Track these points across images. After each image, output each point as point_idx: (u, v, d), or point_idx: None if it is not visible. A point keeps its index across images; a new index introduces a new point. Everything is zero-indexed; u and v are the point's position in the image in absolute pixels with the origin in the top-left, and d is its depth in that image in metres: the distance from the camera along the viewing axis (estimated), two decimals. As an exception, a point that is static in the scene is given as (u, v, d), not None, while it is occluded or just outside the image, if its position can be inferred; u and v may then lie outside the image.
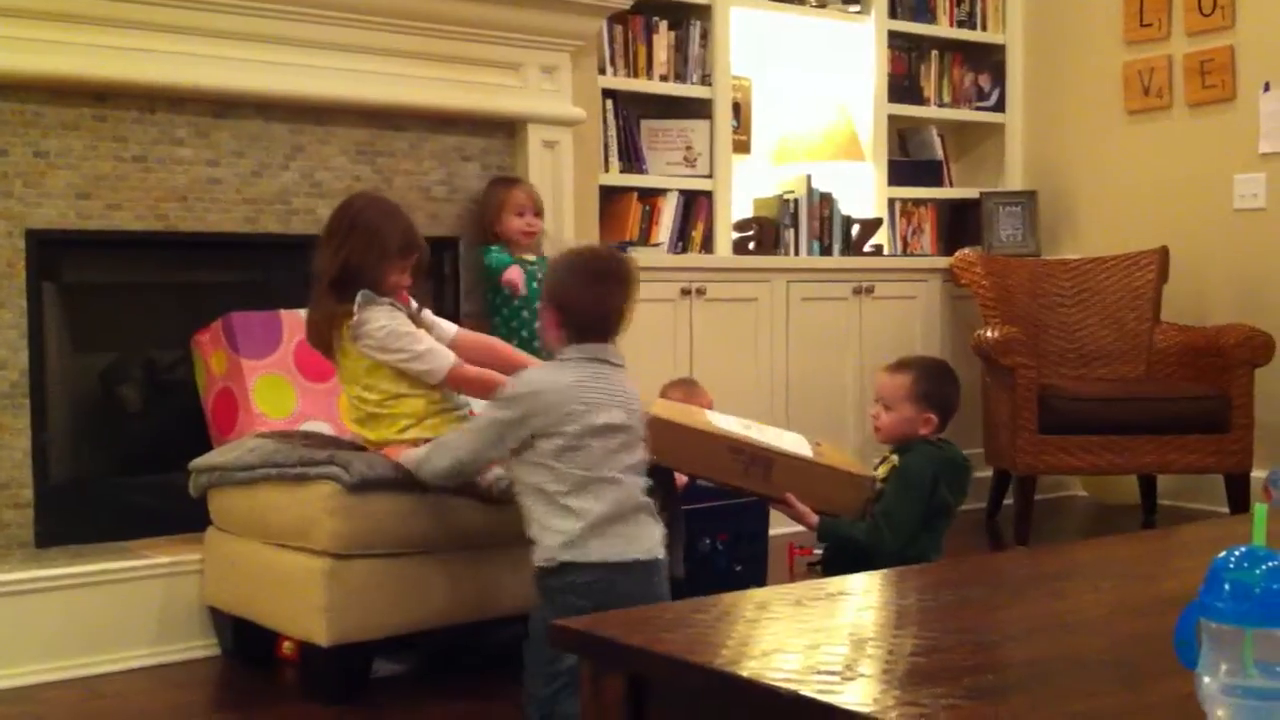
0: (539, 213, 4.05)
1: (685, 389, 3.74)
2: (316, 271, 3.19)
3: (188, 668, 3.35)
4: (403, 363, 3.12)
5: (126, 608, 3.33)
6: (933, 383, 3.12)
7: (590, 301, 2.76)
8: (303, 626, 3.07)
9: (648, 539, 2.71)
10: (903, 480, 3.04)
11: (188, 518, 3.50)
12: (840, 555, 3.09)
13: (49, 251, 3.50)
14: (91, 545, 3.48)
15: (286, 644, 3.32)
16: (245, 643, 3.36)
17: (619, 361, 2.76)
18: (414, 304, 3.29)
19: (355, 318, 3.09)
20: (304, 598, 3.04)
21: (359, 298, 3.10)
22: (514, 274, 3.93)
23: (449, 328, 3.42)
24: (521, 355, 3.56)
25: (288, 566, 3.11)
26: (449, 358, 3.18)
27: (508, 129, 4.23)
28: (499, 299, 4.00)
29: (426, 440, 3.12)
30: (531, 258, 4.04)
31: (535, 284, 3.94)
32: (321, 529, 3.01)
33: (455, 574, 3.16)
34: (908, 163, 5.80)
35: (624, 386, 2.75)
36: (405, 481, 3.06)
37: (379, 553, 3.06)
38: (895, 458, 3.10)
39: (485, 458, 2.88)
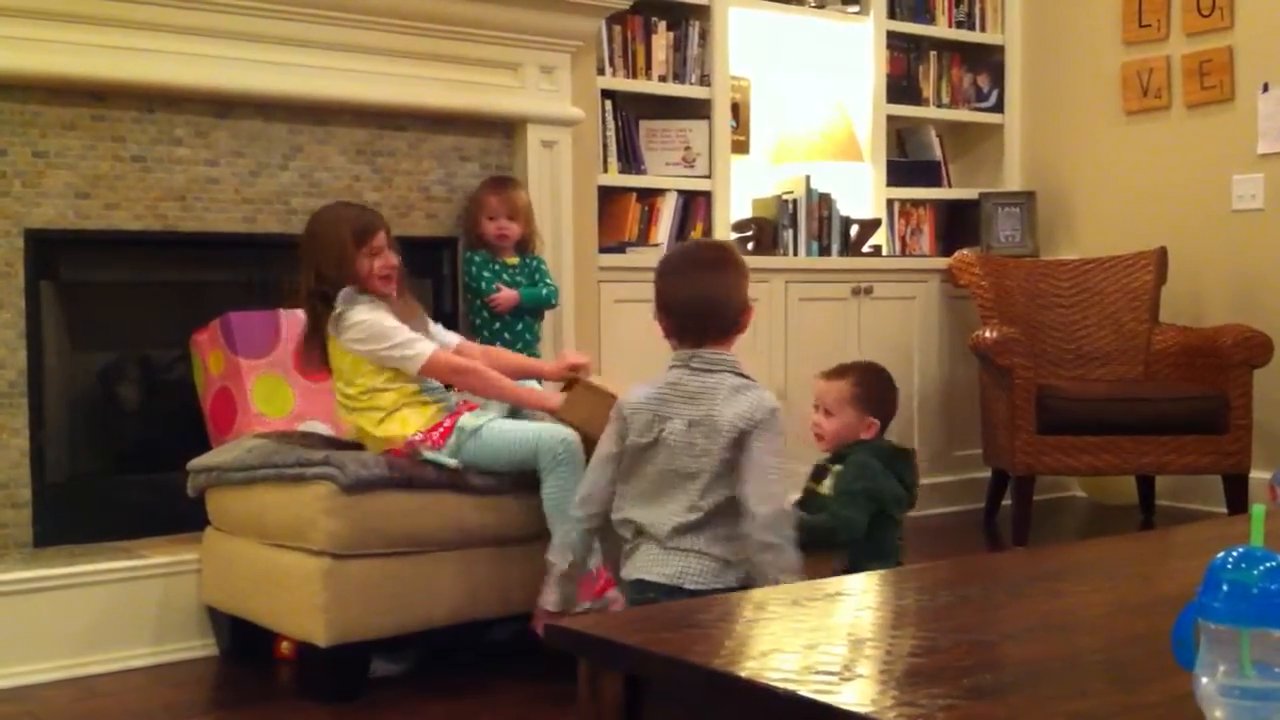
0: (513, 216, 4.03)
1: None
2: (302, 295, 3.27)
3: (185, 667, 3.34)
4: (384, 351, 3.18)
5: (124, 607, 3.32)
6: (873, 386, 3.12)
7: (673, 297, 2.72)
8: (301, 626, 3.07)
9: (647, 563, 2.69)
10: (848, 478, 3.00)
11: (186, 517, 3.50)
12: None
13: (47, 251, 3.50)
14: (89, 545, 3.47)
15: (284, 644, 3.32)
16: (243, 642, 3.36)
17: (705, 365, 2.67)
18: (414, 304, 3.34)
19: (337, 311, 3.18)
20: (302, 597, 3.04)
21: (342, 294, 3.20)
22: (500, 297, 3.95)
23: (452, 337, 3.47)
24: (525, 359, 3.57)
25: (286, 566, 3.11)
26: (430, 345, 3.24)
27: (506, 129, 4.23)
28: (478, 303, 4.01)
29: (401, 435, 3.16)
30: (513, 260, 4.04)
31: (494, 287, 3.97)
32: (318, 529, 3.01)
33: (453, 573, 3.16)
34: (906, 163, 5.80)
35: (699, 398, 2.65)
36: (400, 480, 3.08)
37: (376, 552, 3.06)
38: (835, 468, 3.07)
39: (597, 484, 2.80)
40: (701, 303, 2.70)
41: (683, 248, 2.85)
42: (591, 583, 3.11)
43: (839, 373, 3.16)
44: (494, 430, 3.22)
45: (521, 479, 3.21)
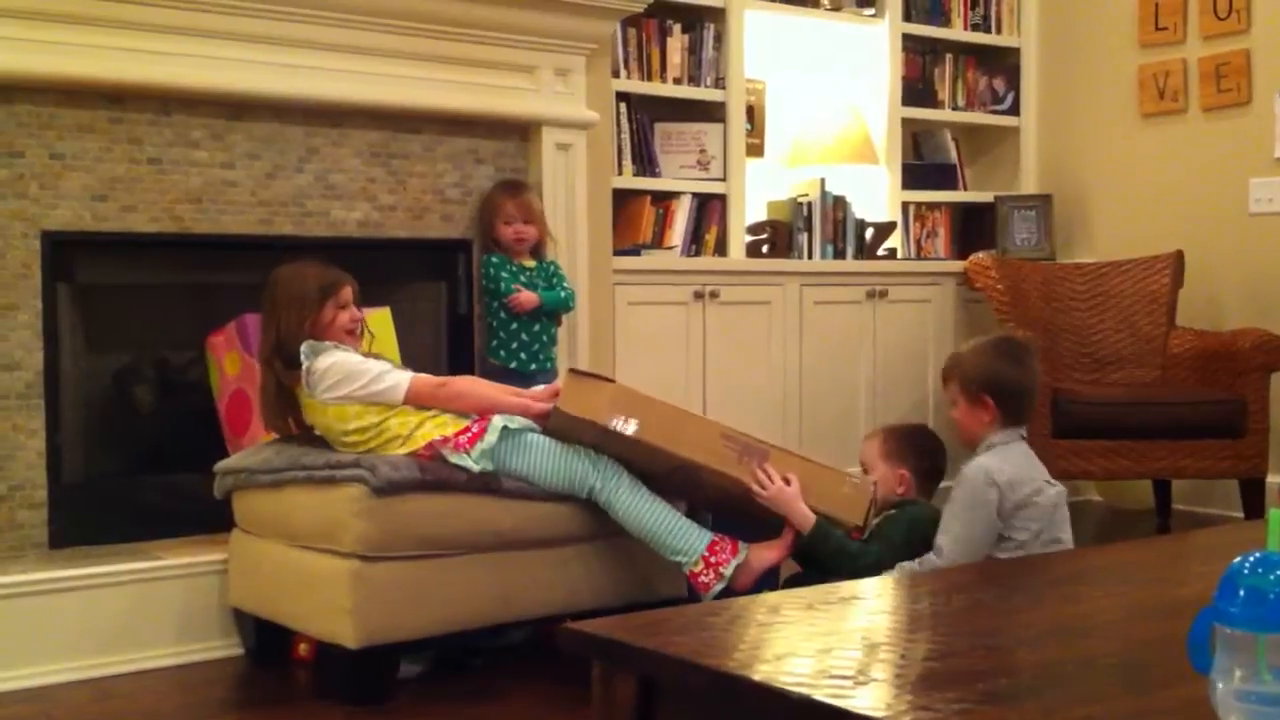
0: (529, 220, 4.03)
1: None
2: (261, 356, 3.25)
3: (207, 668, 3.35)
4: (362, 389, 3.12)
5: (143, 609, 3.33)
6: (899, 442, 3.25)
7: (1025, 385, 3.01)
8: (329, 628, 3.06)
9: None
10: (905, 523, 3.13)
11: (201, 518, 3.52)
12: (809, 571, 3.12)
13: (64, 253, 3.51)
14: (105, 546, 3.48)
15: (302, 645, 3.32)
16: (268, 644, 3.36)
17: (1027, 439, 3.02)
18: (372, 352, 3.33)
19: (304, 366, 3.12)
20: (331, 599, 3.04)
21: (304, 348, 3.14)
22: (521, 298, 3.94)
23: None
24: (507, 389, 3.48)
25: (314, 568, 3.11)
26: (406, 374, 3.20)
27: (521, 132, 4.23)
28: (495, 305, 4.01)
29: (415, 453, 3.11)
30: (530, 264, 4.04)
31: (513, 288, 3.96)
32: (348, 531, 3.01)
33: (481, 575, 3.16)
34: (922, 166, 5.79)
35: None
36: (431, 483, 3.07)
37: (406, 555, 3.06)
38: (878, 518, 3.18)
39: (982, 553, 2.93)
40: (1037, 390, 3.08)
41: (1018, 341, 3.18)
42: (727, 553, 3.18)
43: (874, 432, 3.39)
44: (542, 443, 3.19)
45: None
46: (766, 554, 3.18)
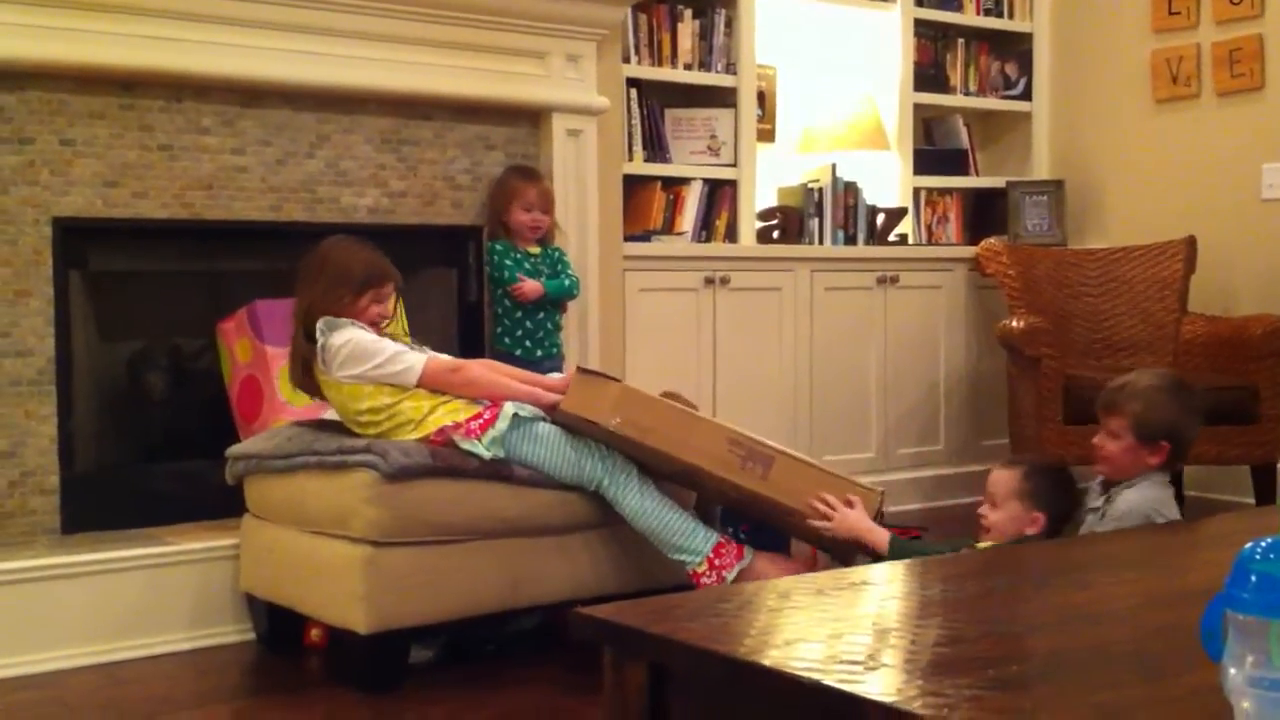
0: (546, 209, 4.03)
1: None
2: (294, 317, 3.24)
3: (218, 654, 3.36)
4: (375, 369, 3.12)
5: (152, 594, 3.34)
6: (1040, 484, 3.03)
7: (1194, 437, 3.01)
8: (341, 614, 3.07)
9: None
10: None
11: (212, 504, 3.52)
12: None
13: (75, 239, 3.51)
14: (117, 531, 3.49)
15: (314, 631, 3.33)
16: (280, 629, 3.37)
17: None
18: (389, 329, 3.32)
19: (320, 343, 3.12)
20: (342, 585, 3.04)
21: (320, 324, 3.13)
22: (525, 287, 3.93)
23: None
24: (524, 373, 3.48)
25: (326, 554, 3.11)
26: (421, 356, 3.19)
27: (532, 118, 4.22)
28: (499, 292, 4.01)
29: (427, 438, 3.11)
30: (535, 250, 4.04)
31: (517, 277, 3.94)
32: (360, 517, 3.02)
33: (493, 562, 3.16)
34: (933, 152, 5.78)
35: None
36: (443, 469, 3.07)
37: (418, 540, 3.06)
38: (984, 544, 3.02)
39: None
40: None
41: (1194, 390, 3.11)
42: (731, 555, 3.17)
43: (1011, 462, 3.14)
44: (552, 434, 3.19)
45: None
46: (772, 570, 3.16)
